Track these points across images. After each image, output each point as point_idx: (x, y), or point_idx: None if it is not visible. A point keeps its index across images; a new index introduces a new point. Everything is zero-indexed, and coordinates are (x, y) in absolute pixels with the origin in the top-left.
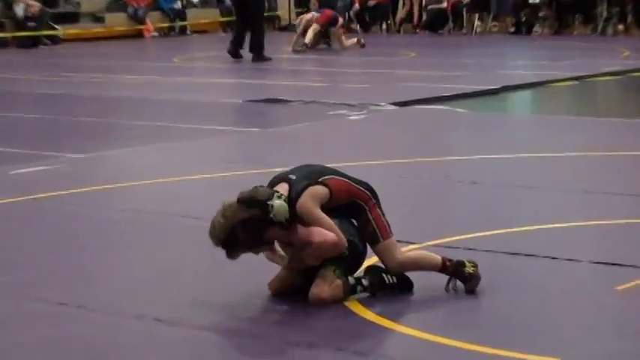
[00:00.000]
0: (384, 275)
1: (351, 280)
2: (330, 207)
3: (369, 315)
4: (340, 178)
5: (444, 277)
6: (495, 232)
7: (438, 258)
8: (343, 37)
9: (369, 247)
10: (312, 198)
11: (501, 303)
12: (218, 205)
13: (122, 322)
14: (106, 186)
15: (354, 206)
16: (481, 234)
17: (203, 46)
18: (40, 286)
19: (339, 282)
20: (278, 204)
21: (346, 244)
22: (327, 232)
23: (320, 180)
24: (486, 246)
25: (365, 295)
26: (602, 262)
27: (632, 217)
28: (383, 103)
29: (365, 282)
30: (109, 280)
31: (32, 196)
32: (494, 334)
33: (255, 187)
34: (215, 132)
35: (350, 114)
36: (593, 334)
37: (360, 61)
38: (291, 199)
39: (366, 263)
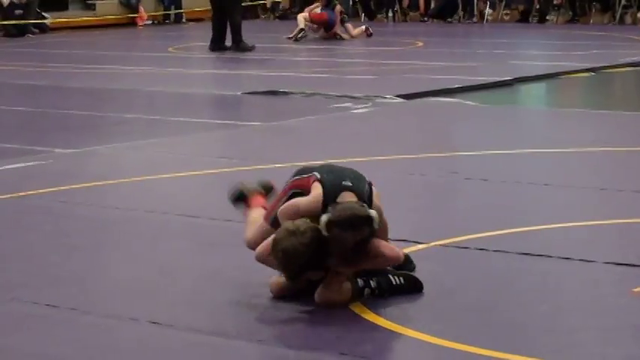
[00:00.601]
0: (390, 277)
1: (359, 282)
2: None
3: (373, 318)
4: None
5: (454, 279)
6: (506, 231)
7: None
8: (350, 27)
9: None
10: (379, 199)
11: (512, 305)
12: (216, 202)
13: (116, 324)
14: (98, 183)
15: None
16: (492, 233)
17: (199, 35)
18: (30, 287)
19: (348, 284)
20: (374, 214)
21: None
22: (395, 247)
23: (369, 181)
24: (497, 246)
25: (372, 296)
26: (617, 263)
27: None
28: (389, 96)
29: (373, 284)
30: (102, 281)
31: (20, 194)
32: (504, 337)
33: (339, 206)
34: (212, 126)
35: (354, 107)
36: (607, 337)
37: (365, 51)
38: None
39: None
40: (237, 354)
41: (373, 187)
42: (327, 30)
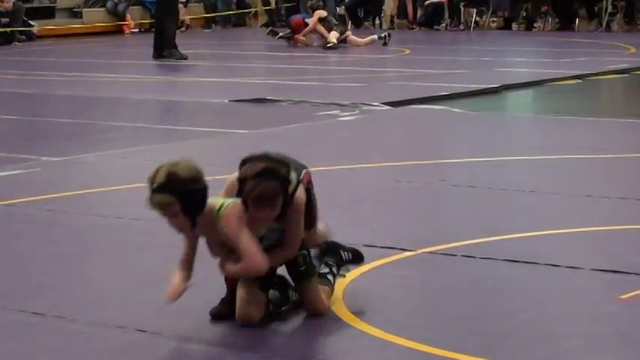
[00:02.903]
0: (341, 253)
1: (329, 276)
2: None
3: (361, 326)
4: (307, 170)
5: (441, 286)
6: (493, 238)
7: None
8: (354, 38)
9: None
10: (302, 195)
11: (500, 312)
12: None
13: (103, 332)
14: (85, 191)
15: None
16: (479, 240)
17: (186, 43)
18: (16, 295)
19: (327, 288)
20: (294, 177)
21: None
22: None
23: (301, 177)
24: (485, 253)
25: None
26: (604, 270)
27: (636, 223)
28: (376, 103)
29: (335, 269)
30: (88, 288)
31: (5, 202)
32: (492, 345)
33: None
34: (199, 134)
35: (341, 114)
36: (596, 344)
37: (352, 59)
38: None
39: None
40: None
41: (301, 184)
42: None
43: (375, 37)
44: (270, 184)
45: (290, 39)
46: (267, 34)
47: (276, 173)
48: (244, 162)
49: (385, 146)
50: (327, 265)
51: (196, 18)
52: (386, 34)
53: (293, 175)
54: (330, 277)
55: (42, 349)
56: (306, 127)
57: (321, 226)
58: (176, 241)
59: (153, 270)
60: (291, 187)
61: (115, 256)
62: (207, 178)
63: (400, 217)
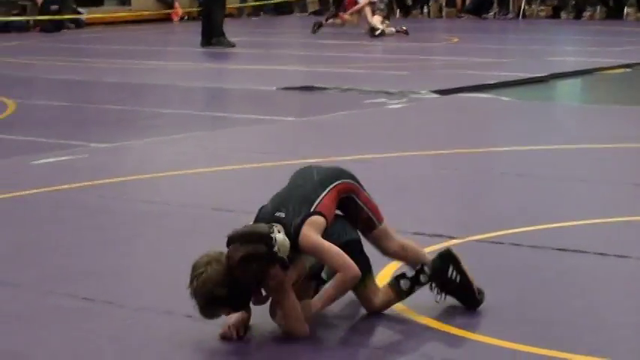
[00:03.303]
0: (450, 266)
1: (404, 283)
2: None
3: (412, 315)
4: (325, 193)
5: (489, 274)
6: (541, 227)
7: (427, 255)
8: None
9: None
10: (313, 229)
11: (548, 301)
12: (251, 197)
13: (152, 318)
14: (133, 177)
15: (344, 200)
16: (527, 229)
17: (234, 31)
18: (65, 280)
19: (387, 290)
20: (281, 237)
21: (359, 274)
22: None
23: (313, 209)
24: (532, 241)
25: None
26: None
27: None
28: (424, 91)
29: (423, 278)
30: (137, 274)
31: (55, 188)
32: (540, 333)
33: (250, 224)
34: (247, 121)
35: (389, 102)
36: None
37: (400, 47)
38: (291, 238)
39: None
40: (272, 347)
41: (314, 216)
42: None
43: (393, 29)
44: (253, 268)
45: (335, 16)
46: (314, 32)
47: (255, 255)
48: (229, 241)
49: (433, 134)
50: (418, 275)
51: (245, 6)
52: (404, 27)
53: (278, 235)
54: (405, 284)
55: (91, 333)
56: (354, 114)
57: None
58: (222, 229)
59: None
60: (278, 242)
61: (162, 242)
62: (258, 165)
63: (448, 205)
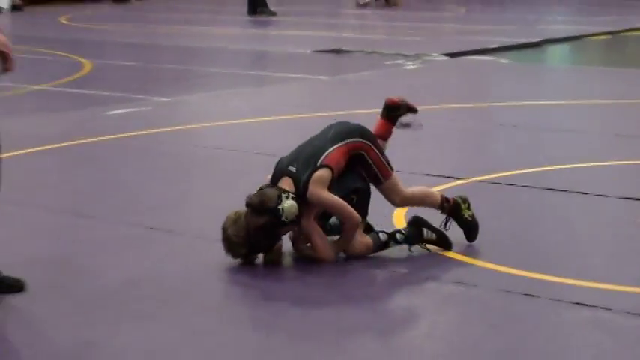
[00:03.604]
0: (424, 230)
1: (382, 236)
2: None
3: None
4: (335, 147)
5: (488, 210)
6: (533, 170)
7: (438, 196)
8: None
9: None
10: (319, 184)
11: (538, 233)
12: (288, 143)
13: (205, 244)
14: (188, 126)
15: (355, 158)
16: (520, 172)
17: (275, 1)
18: (133, 212)
19: (368, 239)
20: (288, 205)
21: (359, 220)
22: (327, 247)
23: (319, 164)
24: (524, 182)
25: (399, 247)
26: (627, 198)
27: None
28: (435, 54)
29: (399, 236)
30: (193, 207)
31: (124, 135)
32: (530, 259)
33: (262, 189)
34: (286, 79)
35: (406, 64)
36: (619, 261)
37: (415, 16)
38: (299, 193)
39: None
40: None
41: (319, 171)
42: None
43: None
44: (262, 236)
45: None
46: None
47: (265, 226)
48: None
49: (443, 91)
50: (396, 231)
51: None
52: None
53: (286, 203)
54: (383, 236)
55: (155, 257)
56: (376, 74)
57: (416, 189)
58: (263, 169)
59: (247, 192)
60: (285, 210)
61: (214, 181)
62: (295, 116)
63: (454, 152)
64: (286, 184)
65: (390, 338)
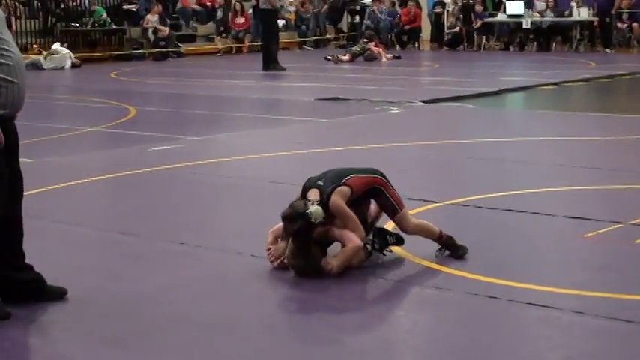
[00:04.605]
0: (387, 237)
1: (368, 247)
2: (354, 198)
3: (402, 252)
4: (357, 175)
5: (459, 228)
6: (496, 194)
7: (437, 230)
8: (382, 52)
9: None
10: (340, 197)
11: (500, 246)
12: (296, 173)
13: (227, 257)
14: (217, 160)
15: (374, 190)
16: (486, 196)
17: (286, 59)
18: (169, 231)
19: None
20: (314, 209)
21: (361, 245)
22: (353, 237)
23: (342, 182)
24: (489, 205)
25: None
26: (573, 217)
27: (595, 185)
28: (415, 101)
29: (376, 245)
30: (218, 227)
31: (163, 167)
32: (494, 266)
33: (291, 203)
34: (293, 121)
35: (391, 109)
36: (566, 268)
37: (398, 70)
38: (324, 202)
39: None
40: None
41: (341, 187)
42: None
43: (391, 55)
44: (301, 238)
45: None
46: (327, 58)
47: (299, 231)
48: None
49: (421, 131)
50: (371, 242)
51: (292, 42)
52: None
53: (312, 208)
54: (368, 246)
55: (186, 268)
56: (367, 117)
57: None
58: (276, 195)
59: (263, 213)
60: (313, 214)
61: (238, 205)
62: (300, 152)
63: (431, 179)
64: (313, 194)
65: (377, 333)
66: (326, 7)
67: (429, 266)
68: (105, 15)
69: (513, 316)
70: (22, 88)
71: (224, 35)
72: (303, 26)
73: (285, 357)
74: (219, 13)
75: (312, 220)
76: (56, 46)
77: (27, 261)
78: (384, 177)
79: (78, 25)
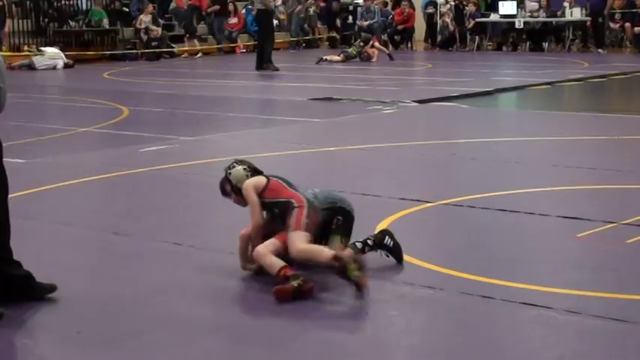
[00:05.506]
0: (386, 237)
1: (358, 244)
2: (268, 199)
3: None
4: (286, 186)
5: (452, 227)
6: (488, 194)
7: (329, 254)
8: (376, 53)
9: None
10: (251, 185)
11: (493, 246)
12: (290, 173)
13: (220, 257)
14: (209, 160)
15: (288, 204)
16: (479, 196)
17: (278, 59)
18: (163, 231)
19: (350, 250)
20: (236, 170)
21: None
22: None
23: (266, 176)
24: (483, 204)
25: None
26: (566, 217)
27: (587, 184)
28: (408, 101)
29: (370, 242)
30: (210, 227)
31: (156, 167)
32: (488, 267)
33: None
34: (287, 121)
35: (384, 108)
36: (560, 268)
37: (391, 70)
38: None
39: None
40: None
41: (259, 179)
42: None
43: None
44: (224, 183)
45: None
46: (317, 63)
47: (222, 179)
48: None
49: (414, 131)
50: (365, 240)
51: (284, 42)
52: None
53: (235, 169)
54: (359, 245)
55: (180, 269)
56: (360, 117)
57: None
58: None
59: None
60: (232, 173)
61: (231, 205)
62: (295, 152)
63: (423, 179)
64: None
65: (372, 332)
66: (300, 7)
67: (423, 266)
68: (106, 20)
69: (507, 316)
70: (5, 91)
71: (187, 36)
72: (295, 26)
73: (278, 357)
74: (189, 15)
75: (229, 178)
76: (46, 48)
77: (21, 262)
78: (309, 205)
79: (71, 24)
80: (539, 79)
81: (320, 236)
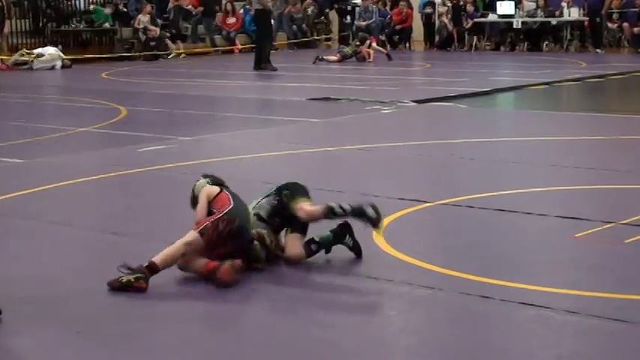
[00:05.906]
0: (347, 235)
1: (313, 246)
2: (212, 208)
3: (395, 254)
4: (231, 201)
5: (451, 227)
6: (487, 194)
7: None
8: (372, 53)
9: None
10: (205, 192)
11: (492, 246)
12: (288, 173)
13: None
14: (208, 160)
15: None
16: (477, 196)
17: (276, 59)
18: (159, 231)
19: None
20: (200, 182)
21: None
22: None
23: (223, 188)
24: (481, 204)
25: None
26: (565, 217)
27: (585, 184)
28: (407, 101)
29: (317, 239)
30: None
31: (155, 167)
32: (487, 266)
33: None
34: (285, 121)
35: (382, 109)
36: (558, 268)
37: (389, 70)
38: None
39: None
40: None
41: (213, 188)
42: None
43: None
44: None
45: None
46: (314, 63)
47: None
48: None
49: (413, 131)
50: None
51: (283, 42)
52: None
53: (199, 182)
54: (314, 247)
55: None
56: (358, 117)
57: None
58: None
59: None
60: (196, 185)
61: None
62: (291, 152)
63: (422, 179)
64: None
65: (369, 333)
66: (289, 7)
67: (421, 266)
68: (108, 23)
69: (506, 316)
70: None
71: (169, 35)
72: (294, 26)
73: (276, 356)
74: (171, 15)
75: (193, 189)
76: (42, 49)
77: (19, 261)
78: (231, 218)
79: (73, 24)
80: (537, 79)
81: (281, 225)
